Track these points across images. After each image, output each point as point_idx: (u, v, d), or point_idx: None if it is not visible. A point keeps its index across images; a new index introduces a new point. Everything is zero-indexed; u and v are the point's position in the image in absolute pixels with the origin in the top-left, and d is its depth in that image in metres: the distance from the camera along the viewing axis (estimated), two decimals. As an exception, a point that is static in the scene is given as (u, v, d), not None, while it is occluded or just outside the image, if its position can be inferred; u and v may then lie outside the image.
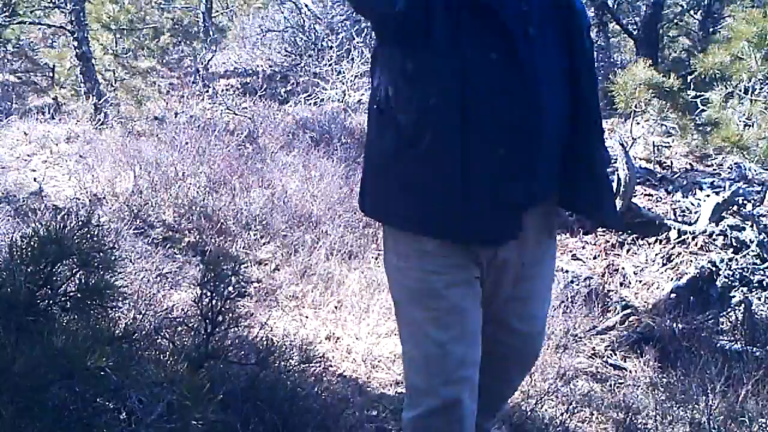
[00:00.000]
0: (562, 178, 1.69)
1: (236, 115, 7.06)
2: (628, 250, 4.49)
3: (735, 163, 5.48)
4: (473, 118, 1.52)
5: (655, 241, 4.50)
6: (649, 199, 5.08)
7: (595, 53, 1.72)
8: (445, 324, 1.67)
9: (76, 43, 7.05)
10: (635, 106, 5.19)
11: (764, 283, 4.02)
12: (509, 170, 1.57)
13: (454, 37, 1.48)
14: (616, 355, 3.47)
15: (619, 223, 1.79)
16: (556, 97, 1.58)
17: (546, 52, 1.56)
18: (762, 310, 3.84)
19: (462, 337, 1.68)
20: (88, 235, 1.78)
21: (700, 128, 5.56)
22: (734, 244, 4.31)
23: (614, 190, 1.89)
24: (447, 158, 1.56)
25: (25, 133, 6.29)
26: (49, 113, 7.29)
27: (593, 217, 1.76)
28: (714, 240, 4.37)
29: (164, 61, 9.60)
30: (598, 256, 4.44)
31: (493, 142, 1.55)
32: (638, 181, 5.06)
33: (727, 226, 4.41)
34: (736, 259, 4.16)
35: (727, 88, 5.47)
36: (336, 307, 3.68)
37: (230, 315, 2.24)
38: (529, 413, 2.75)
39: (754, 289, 3.98)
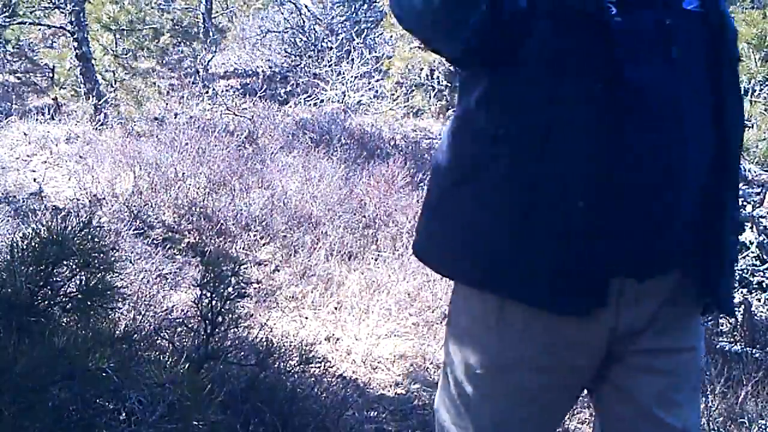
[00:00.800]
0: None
1: (236, 115, 7.06)
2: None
3: (735, 165, 5.48)
4: (552, 157, 1.22)
5: (655, 243, 4.50)
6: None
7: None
8: (509, 410, 1.38)
9: (76, 44, 7.05)
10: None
11: (764, 284, 4.02)
12: (590, 228, 1.23)
13: (555, 57, 1.20)
14: (615, 356, 3.47)
15: (731, 309, 1.46)
16: (699, 139, 1.25)
17: (692, 79, 1.25)
18: (761, 312, 3.84)
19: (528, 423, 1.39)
20: (89, 236, 1.78)
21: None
22: (734, 245, 4.31)
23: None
24: (506, 201, 1.26)
25: (25, 133, 6.29)
26: (48, 114, 7.30)
27: (707, 297, 1.37)
28: (714, 241, 4.37)
29: (164, 61, 9.62)
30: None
31: (572, 191, 1.23)
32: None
33: (727, 227, 4.41)
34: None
35: (726, 90, 5.47)
36: (336, 308, 3.68)
37: (230, 316, 2.25)
38: (528, 414, 2.75)
39: (753, 291, 3.98)
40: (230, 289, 2.24)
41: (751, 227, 4.40)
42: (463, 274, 1.38)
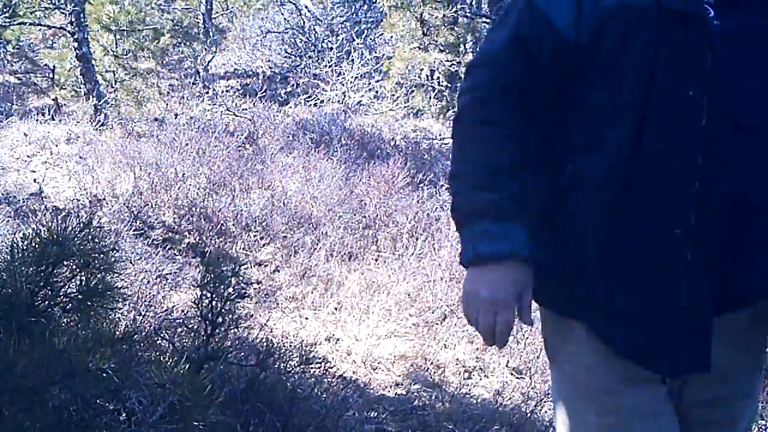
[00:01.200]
0: None
1: (236, 116, 7.07)
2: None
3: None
4: (644, 175, 1.14)
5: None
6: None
7: None
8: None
9: (76, 44, 7.06)
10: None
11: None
12: (688, 260, 1.14)
13: (650, 58, 1.13)
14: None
15: None
16: None
17: None
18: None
19: None
20: (89, 237, 1.78)
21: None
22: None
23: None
24: (591, 226, 1.19)
25: (25, 134, 6.29)
26: (49, 114, 7.30)
27: None
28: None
29: (164, 62, 9.61)
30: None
31: (668, 216, 1.14)
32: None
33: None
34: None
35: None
36: (336, 309, 3.68)
37: (230, 316, 2.24)
38: (528, 415, 2.75)
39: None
40: (230, 290, 2.23)
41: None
42: (545, 293, 1.30)
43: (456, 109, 1.30)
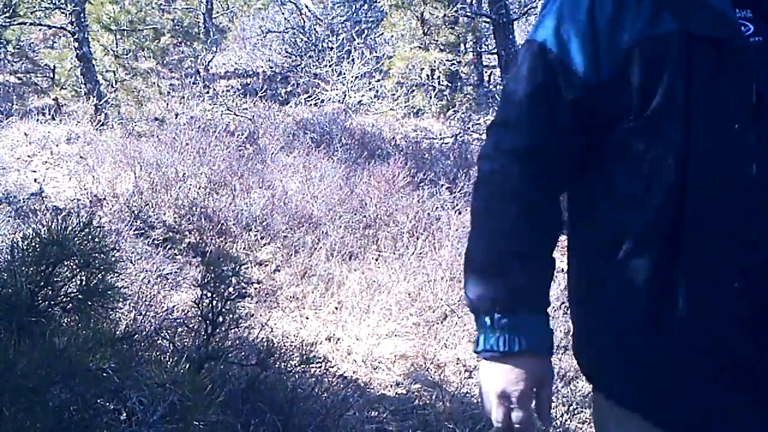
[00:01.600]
0: None
1: (237, 116, 7.07)
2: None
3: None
4: (693, 227, 1.03)
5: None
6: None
7: None
8: None
9: (76, 44, 7.06)
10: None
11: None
12: (749, 311, 1.03)
13: (676, 97, 1.02)
14: (616, 356, 3.46)
15: None
16: None
17: None
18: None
19: None
20: (89, 237, 1.78)
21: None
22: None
23: None
24: (637, 286, 1.08)
25: (25, 134, 6.29)
26: (49, 114, 7.30)
27: None
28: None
29: (165, 62, 9.62)
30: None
31: (725, 270, 1.02)
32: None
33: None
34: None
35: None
36: (336, 308, 3.68)
37: (230, 316, 2.24)
38: (529, 414, 2.75)
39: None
40: (231, 289, 2.24)
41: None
42: (592, 370, 1.22)
43: (476, 174, 1.21)
